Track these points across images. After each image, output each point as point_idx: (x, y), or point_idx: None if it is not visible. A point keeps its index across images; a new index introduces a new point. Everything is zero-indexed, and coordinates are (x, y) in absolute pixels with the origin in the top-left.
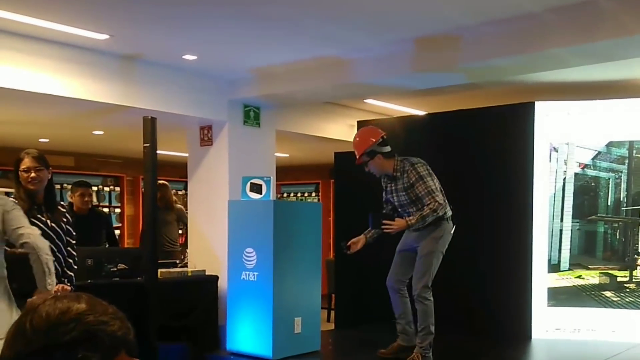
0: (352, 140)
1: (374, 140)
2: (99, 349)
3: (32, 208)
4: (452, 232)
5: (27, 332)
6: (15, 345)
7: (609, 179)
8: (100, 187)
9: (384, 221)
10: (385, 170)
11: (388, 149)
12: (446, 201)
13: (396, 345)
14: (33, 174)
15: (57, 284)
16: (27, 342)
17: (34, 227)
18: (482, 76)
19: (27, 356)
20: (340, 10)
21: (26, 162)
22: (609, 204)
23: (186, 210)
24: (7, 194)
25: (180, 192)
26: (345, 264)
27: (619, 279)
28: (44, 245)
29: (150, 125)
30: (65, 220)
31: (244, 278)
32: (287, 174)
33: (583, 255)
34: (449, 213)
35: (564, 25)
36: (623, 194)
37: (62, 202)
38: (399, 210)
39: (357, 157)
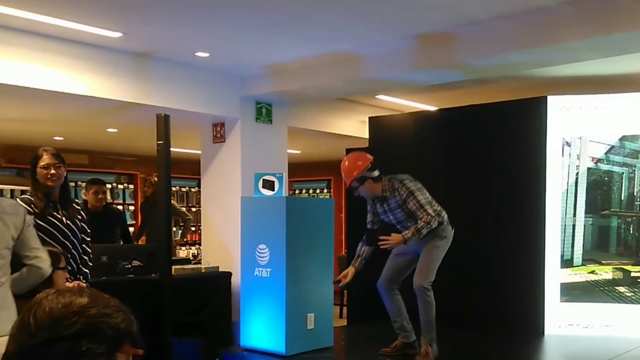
0: (343, 160)
1: (362, 166)
2: (103, 341)
3: (47, 205)
4: (451, 236)
5: (30, 326)
6: (19, 339)
7: (623, 173)
8: (114, 184)
9: (381, 237)
10: (375, 193)
11: (377, 173)
12: (440, 209)
13: (399, 343)
14: (53, 171)
15: (72, 280)
16: (30, 335)
17: (45, 250)
18: (495, 71)
19: (31, 349)
20: (352, 5)
21: (45, 159)
22: (622, 198)
23: (199, 207)
24: (23, 192)
25: (193, 189)
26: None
27: (632, 274)
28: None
29: (163, 122)
30: (79, 217)
31: (256, 274)
32: (299, 170)
33: (596, 251)
34: (446, 217)
35: (578, 18)
36: (637, 189)
37: (76, 200)
38: (398, 227)
39: (347, 183)
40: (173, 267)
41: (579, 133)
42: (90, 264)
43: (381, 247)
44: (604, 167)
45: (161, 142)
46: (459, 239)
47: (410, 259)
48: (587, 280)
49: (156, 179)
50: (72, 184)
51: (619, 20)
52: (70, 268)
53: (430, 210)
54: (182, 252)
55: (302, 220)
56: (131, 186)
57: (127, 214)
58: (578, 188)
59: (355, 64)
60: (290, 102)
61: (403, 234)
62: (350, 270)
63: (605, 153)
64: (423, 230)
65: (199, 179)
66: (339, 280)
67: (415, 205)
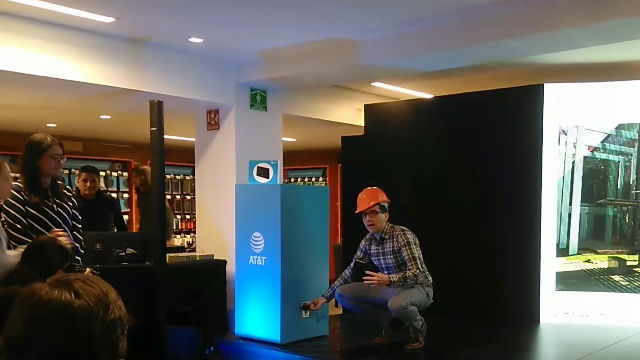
0: (366, 189)
1: (385, 199)
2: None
3: (40, 194)
4: (430, 299)
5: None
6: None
7: (619, 162)
8: (108, 172)
9: (367, 272)
10: (379, 229)
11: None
12: (428, 272)
13: (387, 330)
14: (61, 161)
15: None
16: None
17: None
18: (492, 57)
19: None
20: None
21: (57, 149)
22: (618, 187)
23: (194, 195)
24: (16, 178)
25: (187, 177)
26: (352, 249)
27: (628, 263)
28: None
29: (156, 108)
30: (70, 204)
31: (251, 262)
32: (294, 158)
33: (592, 239)
34: (431, 280)
35: (576, 4)
36: (633, 177)
37: (68, 187)
38: (385, 272)
39: (370, 204)
40: (167, 255)
41: (575, 121)
42: (82, 251)
43: (364, 281)
44: (600, 155)
45: (155, 128)
46: (454, 226)
47: (379, 298)
48: (582, 269)
49: (146, 167)
50: (66, 171)
51: (617, 7)
52: (77, 266)
53: (419, 266)
54: (177, 240)
55: (297, 208)
56: (125, 174)
57: (122, 202)
58: (574, 176)
59: (351, 51)
60: (285, 89)
61: (390, 276)
62: (321, 300)
63: (602, 141)
64: (409, 280)
65: (193, 167)
66: (307, 306)
67: (408, 256)
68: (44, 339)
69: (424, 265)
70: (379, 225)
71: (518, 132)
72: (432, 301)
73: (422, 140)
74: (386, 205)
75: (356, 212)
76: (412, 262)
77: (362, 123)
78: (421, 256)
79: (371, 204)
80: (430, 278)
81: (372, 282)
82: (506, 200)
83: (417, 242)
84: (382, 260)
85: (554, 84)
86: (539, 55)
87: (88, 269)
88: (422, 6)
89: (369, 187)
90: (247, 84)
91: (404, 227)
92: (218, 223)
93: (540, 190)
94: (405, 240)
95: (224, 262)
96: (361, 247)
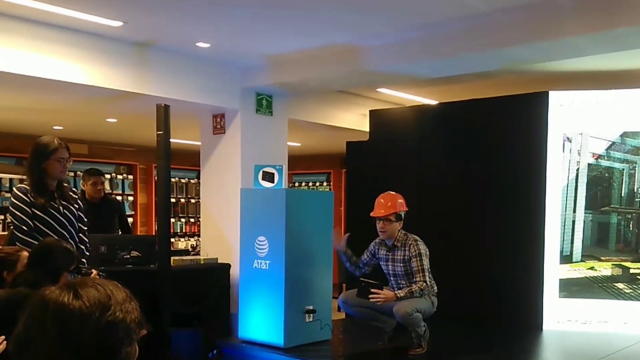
0: (387, 193)
1: (403, 207)
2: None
3: (46, 197)
4: (435, 307)
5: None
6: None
7: (623, 169)
8: (114, 175)
9: (373, 290)
10: (390, 237)
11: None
12: (434, 282)
13: (390, 334)
14: (67, 165)
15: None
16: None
17: None
18: (497, 64)
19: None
20: None
21: (63, 152)
22: (622, 195)
23: (198, 198)
24: (22, 180)
25: (192, 181)
26: (356, 253)
27: (631, 271)
28: None
29: (163, 112)
30: (76, 206)
31: (255, 266)
32: (298, 163)
33: (595, 247)
34: (436, 290)
35: (581, 12)
36: (637, 185)
37: (73, 189)
38: (391, 279)
39: (389, 212)
40: (172, 258)
41: (580, 129)
42: (88, 254)
43: (371, 300)
44: (604, 163)
45: (161, 132)
46: (458, 232)
47: (383, 305)
48: (586, 277)
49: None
50: (72, 174)
51: (623, 15)
52: (83, 268)
53: (427, 279)
54: (181, 244)
55: (301, 212)
56: (130, 177)
57: (126, 205)
58: (578, 184)
59: (356, 56)
60: (291, 94)
61: (396, 292)
62: (344, 245)
63: (606, 149)
64: (416, 294)
65: (199, 170)
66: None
67: (417, 267)
68: (38, 340)
69: (430, 276)
70: (390, 233)
71: (523, 139)
72: (435, 310)
73: (426, 146)
74: (402, 214)
75: (371, 214)
76: (420, 274)
77: (367, 128)
78: (429, 267)
79: (389, 212)
80: (435, 288)
81: (379, 300)
82: (510, 207)
83: (428, 253)
84: (390, 267)
85: (559, 92)
86: (544, 63)
87: (95, 271)
88: (427, 13)
89: (390, 192)
90: (253, 88)
91: (417, 237)
92: (223, 226)
93: (545, 197)
94: (417, 251)
95: (228, 266)
96: (370, 249)
